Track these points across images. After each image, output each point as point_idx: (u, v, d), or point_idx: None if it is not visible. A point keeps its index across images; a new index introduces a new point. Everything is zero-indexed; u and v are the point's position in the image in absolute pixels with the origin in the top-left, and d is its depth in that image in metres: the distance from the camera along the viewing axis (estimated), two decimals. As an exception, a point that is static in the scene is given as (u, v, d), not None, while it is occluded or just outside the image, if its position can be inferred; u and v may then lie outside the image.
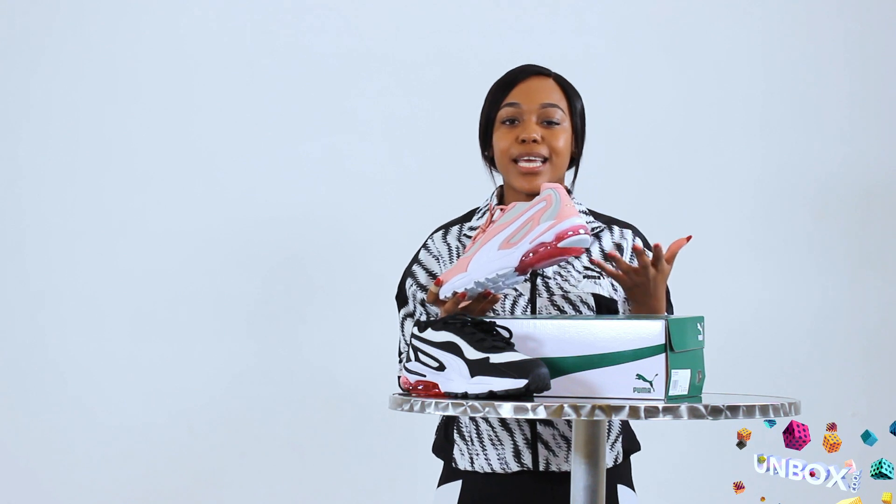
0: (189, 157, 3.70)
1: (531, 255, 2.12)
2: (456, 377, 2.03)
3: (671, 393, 2.03)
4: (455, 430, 2.46)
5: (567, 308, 2.40)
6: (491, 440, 2.42)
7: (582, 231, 2.10)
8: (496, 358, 2.01)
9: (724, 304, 3.84)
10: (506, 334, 2.07)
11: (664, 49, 3.86)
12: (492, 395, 1.99)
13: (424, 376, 2.08)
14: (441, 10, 3.80)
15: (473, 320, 2.08)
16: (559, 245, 2.10)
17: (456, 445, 2.46)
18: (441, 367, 2.06)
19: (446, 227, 2.50)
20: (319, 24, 3.75)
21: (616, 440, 2.46)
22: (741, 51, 3.90)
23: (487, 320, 2.08)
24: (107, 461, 3.64)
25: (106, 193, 3.68)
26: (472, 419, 2.43)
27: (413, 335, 2.12)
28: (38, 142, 3.67)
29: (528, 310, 2.40)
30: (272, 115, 3.73)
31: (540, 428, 2.40)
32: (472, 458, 2.43)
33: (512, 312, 2.40)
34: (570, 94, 2.45)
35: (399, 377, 2.44)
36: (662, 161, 3.87)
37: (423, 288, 2.46)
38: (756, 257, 3.91)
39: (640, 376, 2.02)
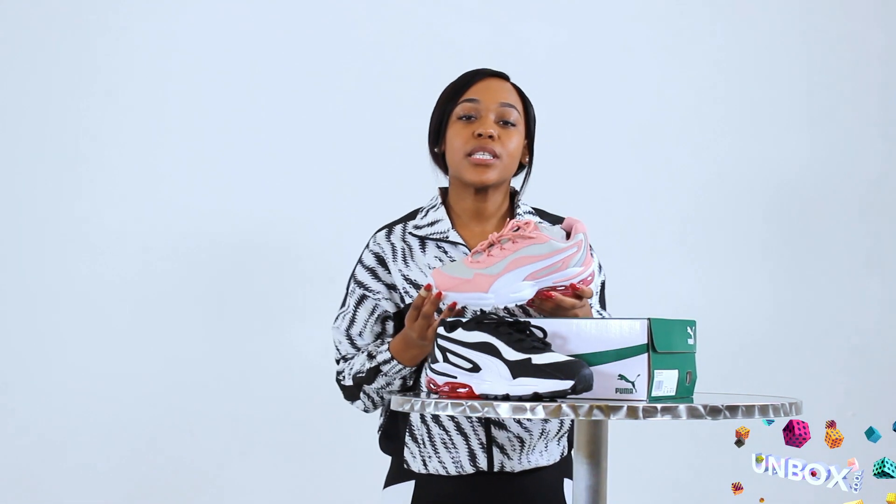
0: (189, 157, 3.70)
1: (549, 290, 2.14)
2: (495, 378, 1.95)
3: (654, 393, 1.99)
4: (406, 432, 2.43)
5: (518, 312, 2.35)
6: (444, 443, 2.38)
7: (590, 277, 2.15)
8: (538, 359, 1.94)
9: (723, 304, 3.84)
10: (540, 334, 2.02)
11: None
12: (536, 397, 1.92)
13: (455, 378, 2.00)
14: (441, 11, 3.80)
15: (506, 320, 2.02)
16: (576, 289, 2.15)
17: (407, 448, 2.42)
18: (475, 369, 1.98)
19: (389, 227, 2.49)
20: (320, 24, 3.75)
21: (562, 436, 2.44)
22: (741, 50, 3.89)
23: (522, 320, 2.03)
24: (107, 461, 3.64)
25: (105, 194, 3.68)
26: (423, 422, 2.39)
27: (440, 335, 2.04)
28: (37, 143, 3.67)
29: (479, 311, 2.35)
30: (272, 116, 3.73)
31: (494, 431, 2.36)
32: (424, 461, 2.40)
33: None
34: (526, 100, 2.47)
35: (340, 381, 2.42)
36: (662, 161, 3.87)
37: (361, 285, 2.43)
38: (757, 258, 3.90)
39: (622, 377, 1.99)
